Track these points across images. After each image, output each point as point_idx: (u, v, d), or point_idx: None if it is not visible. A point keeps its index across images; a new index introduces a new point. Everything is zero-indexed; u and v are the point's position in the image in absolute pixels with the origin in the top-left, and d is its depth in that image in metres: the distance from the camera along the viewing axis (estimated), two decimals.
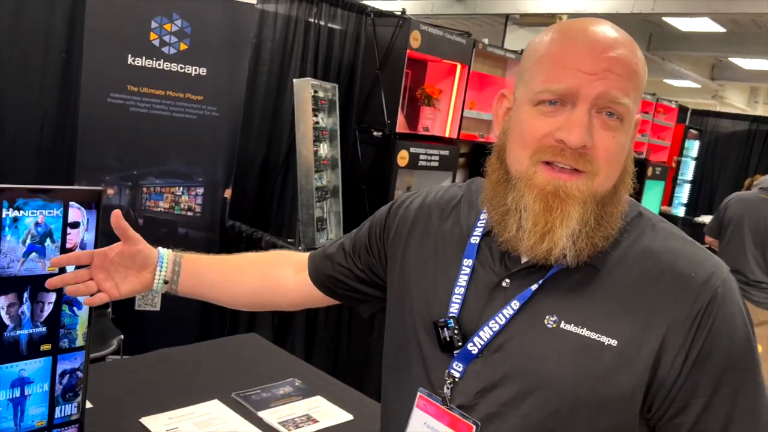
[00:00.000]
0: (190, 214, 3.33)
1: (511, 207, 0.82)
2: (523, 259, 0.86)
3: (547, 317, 0.82)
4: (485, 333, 0.84)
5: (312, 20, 4.10)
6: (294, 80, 3.49)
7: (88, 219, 1.20)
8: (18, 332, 1.14)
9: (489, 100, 5.03)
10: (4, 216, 1.08)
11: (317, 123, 3.45)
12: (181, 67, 3.19)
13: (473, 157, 5.08)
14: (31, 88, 3.12)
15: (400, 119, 4.01)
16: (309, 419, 1.59)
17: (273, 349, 2.03)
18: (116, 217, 1.12)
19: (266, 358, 1.95)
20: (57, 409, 1.22)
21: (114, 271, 1.14)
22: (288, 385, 1.74)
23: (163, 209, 3.30)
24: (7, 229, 1.09)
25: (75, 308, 1.22)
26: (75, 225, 1.18)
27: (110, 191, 3.22)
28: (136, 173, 3.22)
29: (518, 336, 0.83)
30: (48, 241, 1.15)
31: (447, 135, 4.34)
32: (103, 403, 1.53)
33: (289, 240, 3.57)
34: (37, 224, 1.13)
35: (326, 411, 1.64)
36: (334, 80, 4.12)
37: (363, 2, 4.32)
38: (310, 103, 3.35)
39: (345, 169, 3.96)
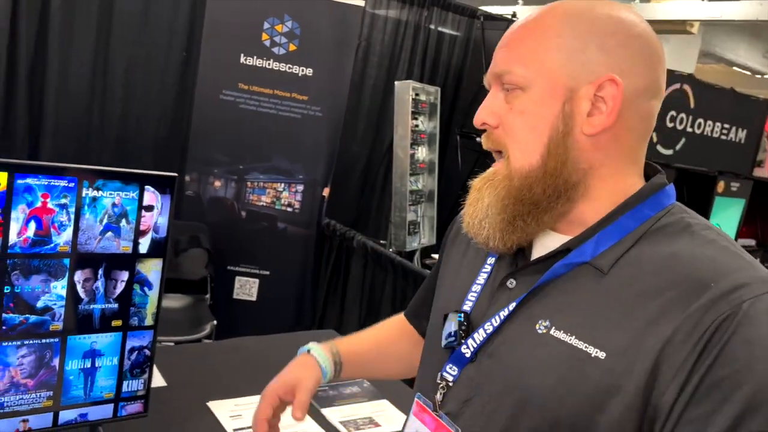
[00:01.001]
0: (289, 209, 3.42)
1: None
2: (532, 257, 0.81)
3: (540, 321, 0.75)
4: (479, 335, 0.80)
5: (422, 24, 4.09)
6: (396, 82, 3.49)
7: (162, 203, 1.24)
8: (92, 306, 1.21)
9: None
10: (83, 195, 1.15)
11: (416, 126, 3.43)
12: (289, 67, 3.30)
13: None
14: (154, 84, 3.36)
15: None
16: (371, 422, 1.56)
17: None
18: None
19: None
20: (124, 384, 1.28)
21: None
22: (356, 386, 1.73)
23: (264, 204, 3.42)
24: (86, 207, 1.16)
25: (146, 288, 1.27)
26: (149, 208, 1.23)
27: (217, 183, 3.39)
28: (241, 168, 3.37)
29: (510, 342, 0.77)
30: (123, 221, 1.20)
31: None
32: (175, 382, 1.60)
33: (381, 242, 3.57)
34: (113, 205, 1.19)
35: (389, 416, 1.60)
36: (441, 84, 4.08)
37: (479, 7, 4.25)
38: (410, 106, 3.33)
39: (443, 174, 3.91)
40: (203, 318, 2.93)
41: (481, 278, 0.86)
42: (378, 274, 3.03)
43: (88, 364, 1.23)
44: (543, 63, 0.75)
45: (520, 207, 0.77)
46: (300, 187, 3.41)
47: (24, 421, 1.18)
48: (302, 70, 3.31)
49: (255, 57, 3.27)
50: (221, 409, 1.52)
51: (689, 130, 5.05)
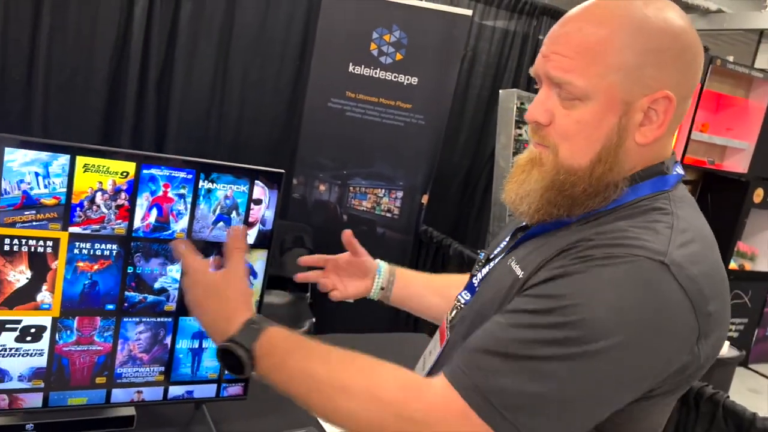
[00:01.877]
0: (388, 215, 3.48)
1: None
2: None
3: (511, 258, 0.91)
4: (485, 270, 1.00)
5: (530, 33, 4.04)
6: (501, 91, 3.47)
7: (270, 198, 1.32)
8: None
9: (725, 123, 4.47)
10: (200, 186, 1.24)
11: (520, 135, 3.39)
12: (395, 76, 3.36)
13: (702, 187, 4.55)
14: (267, 91, 3.54)
15: None
16: None
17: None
18: (348, 236, 1.32)
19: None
20: None
21: (343, 275, 1.37)
22: None
23: (365, 209, 3.50)
24: (201, 198, 1.25)
25: (251, 277, 1.34)
26: (258, 202, 1.31)
27: (322, 187, 3.51)
28: (345, 173, 3.47)
29: (491, 273, 0.97)
30: (234, 213, 1.29)
31: None
32: None
33: (478, 252, 3.55)
34: (226, 197, 1.27)
35: None
36: None
37: None
38: (514, 114, 3.30)
39: None
40: (303, 315, 3.04)
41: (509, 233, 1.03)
42: None
43: (196, 345, 1.32)
44: (603, 79, 0.80)
45: (559, 198, 0.85)
46: (400, 194, 3.46)
47: (138, 392, 1.29)
48: (407, 79, 3.37)
49: (363, 66, 3.36)
50: None
51: None
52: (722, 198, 4.35)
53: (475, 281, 1.01)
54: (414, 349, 1.99)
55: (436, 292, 1.32)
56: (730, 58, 4.30)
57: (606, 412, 0.76)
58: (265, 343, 0.86)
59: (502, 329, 0.77)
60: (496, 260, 0.98)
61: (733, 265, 4.55)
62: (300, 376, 0.83)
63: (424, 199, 3.44)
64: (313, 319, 2.96)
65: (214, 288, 0.95)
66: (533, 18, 4.04)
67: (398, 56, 3.36)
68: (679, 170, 0.90)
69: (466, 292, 1.02)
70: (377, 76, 3.37)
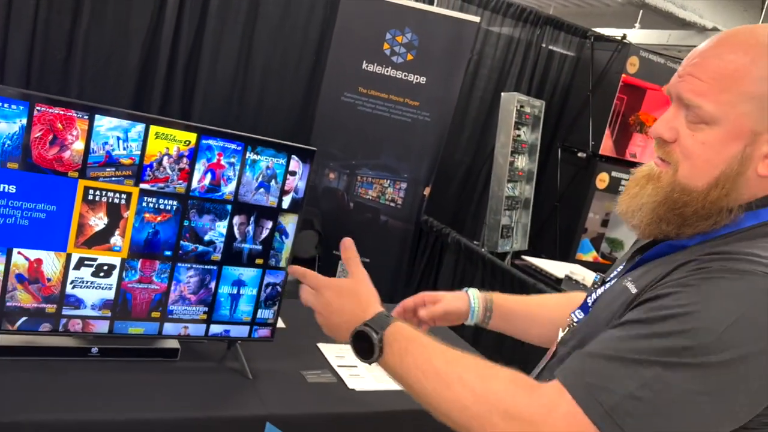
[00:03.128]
0: (392, 204, 3.73)
1: None
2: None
3: (628, 278, 0.90)
4: (600, 291, 0.99)
5: (534, 41, 4.29)
6: (502, 93, 3.71)
7: (303, 170, 1.56)
8: (243, 245, 1.54)
9: None
10: (246, 157, 1.49)
11: (518, 136, 3.64)
12: (405, 75, 3.61)
13: None
14: (285, 81, 3.79)
15: (607, 143, 4.02)
16: None
17: (457, 341, 2.23)
18: (432, 313, 1.23)
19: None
20: (259, 311, 1.61)
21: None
22: None
23: (371, 197, 3.74)
24: (247, 167, 1.49)
25: (284, 237, 1.59)
26: (293, 173, 1.55)
27: (331, 176, 3.75)
28: (354, 163, 3.72)
29: (606, 293, 0.96)
30: (273, 182, 1.53)
31: None
32: (293, 325, 1.92)
33: (474, 242, 3.80)
34: (267, 167, 1.52)
35: None
36: (547, 99, 4.26)
37: (593, 29, 4.39)
38: (514, 116, 3.54)
39: (541, 185, 4.08)
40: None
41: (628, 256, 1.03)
42: (468, 270, 3.27)
43: (235, 291, 1.57)
44: (734, 107, 0.80)
45: (669, 215, 0.85)
46: (404, 185, 3.70)
47: (185, 327, 1.54)
48: (416, 78, 3.61)
49: (375, 64, 3.61)
50: (329, 349, 1.82)
51: None
52: None
53: (590, 301, 1.00)
54: (436, 335, 2.18)
55: (538, 324, 1.25)
56: None
57: (716, 429, 0.73)
58: (393, 331, 0.89)
59: (619, 338, 0.77)
60: (612, 282, 0.97)
61: None
62: (419, 363, 0.85)
63: (426, 191, 3.68)
64: None
65: (347, 289, 0.97)
66: (537, 27, 4.29)
67: (409, 56, 3.61)
68: None
69: (579, 311, 1.01)
70: (388, 74, 3.61)
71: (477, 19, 3.59)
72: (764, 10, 5.53)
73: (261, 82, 3.72)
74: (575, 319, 1.01)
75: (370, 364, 0.90)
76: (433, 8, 3.68)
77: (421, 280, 3.67)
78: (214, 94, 3.59)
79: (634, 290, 0.85)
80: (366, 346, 0.90)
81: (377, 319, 0.91)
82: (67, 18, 3.13)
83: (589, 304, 1.00)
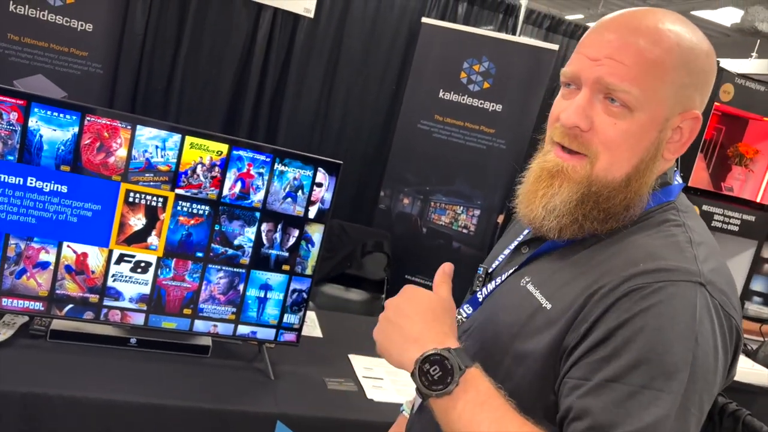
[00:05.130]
0: (464, 231, 3.72)
1: (522, 179, 0.93)
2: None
3: (525, 278, 0.89)
4: (491, 286, 0.96)
5: None
6: None
7: (329, 182, 1.64)
8: (270, 251, 1.63)
9: None
10: (275, 168, 1.59)
11: None
12: (481, 103, 3.63)
13: None
14: (366, 111, 3.93)
15: (701, 175, 3.78)
16: None
17: None
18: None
19: None
20: (285, 316, 1.68)
21: None
22: None
23: (443, 223, 3.76)
24: (275, 177, 1.59)
25: (310, 246, 1.67)
26: (319, 185, 1.63)
27: (406, 201, 3.82)
28: (428, 189, 3.76)
29: (502, 291, 0.94)
30: (300, 192, 1.62)
31: (758, 200, 3.89)
32: (330, 336, 1.98)
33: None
34: (294, 178, 1.61)
35: None
36: None
37: None
38: None
39: None
40: (376, 313, 3.33)
41: (514, 244, 1.01)
42: None
43: (262, 294, 1.66)
44: (656, 93, 0.79)
45: (594, 212, 0.82)
46: (477, 212, 3.69)
47: (214, 326, 1.64)
48: (492, 106, 3.62)
49: (452, 92, 3.66)
50: (358, 361, 1.86)
51: None
52: None
53: (480, 296, 0.97)
54: None
55: None
56: None
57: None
58: (475, 375, 0.77)
59: (602, 403, 0.72)
60: (503, 277, 0.95)
61: None
62: (493, 426, 0.74)
63: (500, 218, 3.64)
64: None
65: (428, 302, 0.86)
66: None
67: (485, 84, 3.63)
68: (680, 179, 0.90)
69: (468, 306, 0.98)
70: (465, 102, 3.65)
71: (555, 47, 3.56)
72: None
73: (342, 109, 3.89)
74: (465, 315, 0.98)
75: (427, 395, 0.77)
76: (510, 36, 3.69)
77: None
78: (298, 122, 3.80)
79: (545, 303, 0.83)
80: (437, 374, 0.77)
81: (461, 354, 0.78)
82: (168, 52, 3.46)
83: (480, 300, 0.97)
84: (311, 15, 3.67)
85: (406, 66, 3.87)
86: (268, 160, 1.58)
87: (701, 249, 0.80)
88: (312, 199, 1.64)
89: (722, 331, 0.77)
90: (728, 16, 6.77)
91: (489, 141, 3.64)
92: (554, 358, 0.80)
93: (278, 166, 1.59)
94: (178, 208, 1.54)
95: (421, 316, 0.83)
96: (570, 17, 6.70)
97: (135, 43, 3.37)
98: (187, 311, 1.61)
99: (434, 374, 0.76)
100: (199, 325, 1.63)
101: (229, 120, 3.69)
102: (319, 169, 1.63)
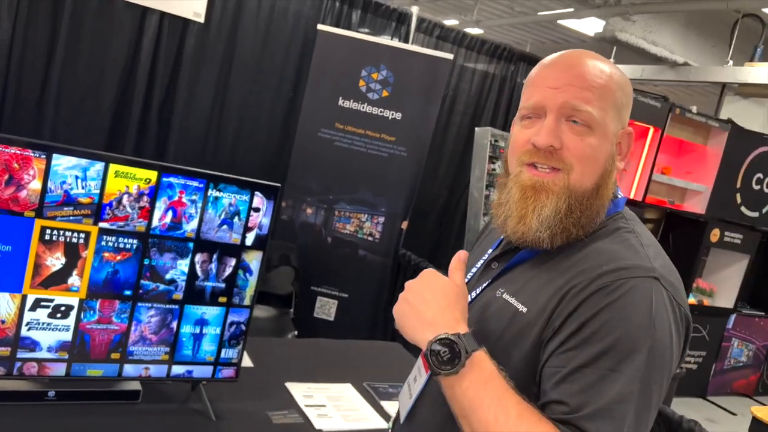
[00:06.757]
0: (370, 239, 3.72)
1: (503, 201, 1.02)
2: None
3: (499, 289, 1.00)
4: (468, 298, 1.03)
5: (508, 77, 4.36)
6: (476, 128, 3.76)
7: (267, 207, 1.56)
8: (205, 283, 1.52)
9: (686, 167, 4.81)
10: (208, 194, 1.48)
11: (493, 170, 3.67)
12: (381, 111, 3.64)
13: (665, 226, 4.86)
14: (262, 119, 3.81)
15: None
16: None
17: (410, 358, 2.25)
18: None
19: (401, 363, 2.18)
20: (223, 351, 1.58)
21: None
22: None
23: (348, 232, 3.74)
24: (209, 204, 1.49)
25: (248, 274, 1.57)
26: (257, 209, 1.54)
27: (309, 210, 3.75)
28: (331, 197, 3.72)
29: (480, 304, 1.02)
30: (236, 218, 1.52)
31: (631, 196, 4.27)
32: (260, 365, 1.89)
33: None
34: (230, 204, 1.51)
35: None
36: None
37: None
38: (488, 150, 3.58)
39: None
40: (286, 329, 3.24)
41: (480, 262, 1.11)
42: None
43: (198, 330, 1.54)
44: (607, 112, 0.96)
45: (583, 218, 0.95)
46: (381, 219, 3.70)
47: (146, 368, 1.50)
48: (392, 114, 3.65)
49: (351, 100, 3.64)
50: (297, 389, 1.79)
51: None
52: (683, 236, 4.66)
53: None
54: (389, 357, 2.22)
55: None
56: (693, 108, 4.65)
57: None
58: (481, 357, 0.88)
59: (577, 387, 0.84)
60: (477, 291, 1.04)
61: (692, 300, 4.83)
62: (493, 402, 0.85)
63: (404, 224, 3.69)
64: (296, 332, 3.17)
65: (443, 288, 0.95)
66: (511, 63, 4.37)
67: (384, 93, 3.65)
68: (621, 194, 1.05)
69: None
70: (364, 110, 3.65)
71: (450, 56, 3.65)
72: (731, 46, 5.69)
73: (237, 118, 3.74)
74: None
75: (437, 375, 0.88)
76: (408, 46, 3.75)
77: None
78: (190, 132, 3.60)
79: (521, 307, 0.94)
80: (446, 356, 0.88)
81: (469, 338, 0.89)
82: (41, 60, 3.13)
83: None
84: (201, 20, 3.49)
85: (302, 73, 3.80)
86: (201, 186, 1.47)
87: (650, 250, 0.95)
88: (249, 225, 1.54)
89: (675, 317, 0.90)
90: (591, 26, 7.34)
91: (390, 149, 3.67)
92: (535, 354, 0.92)
93: (212, 192, 1.49)
94: (103, 243, 1.39)
95: (437, 301, 0.94)
96: (447, 22, 6.94)
97: (1, 50, 3.01)
98: (115, 355, 1.46)
99: (444, 355, 0.88)
100: (129, 369, 1.48)
101: (113, 133, 3.41)
102: (256, 193, 1.54)
